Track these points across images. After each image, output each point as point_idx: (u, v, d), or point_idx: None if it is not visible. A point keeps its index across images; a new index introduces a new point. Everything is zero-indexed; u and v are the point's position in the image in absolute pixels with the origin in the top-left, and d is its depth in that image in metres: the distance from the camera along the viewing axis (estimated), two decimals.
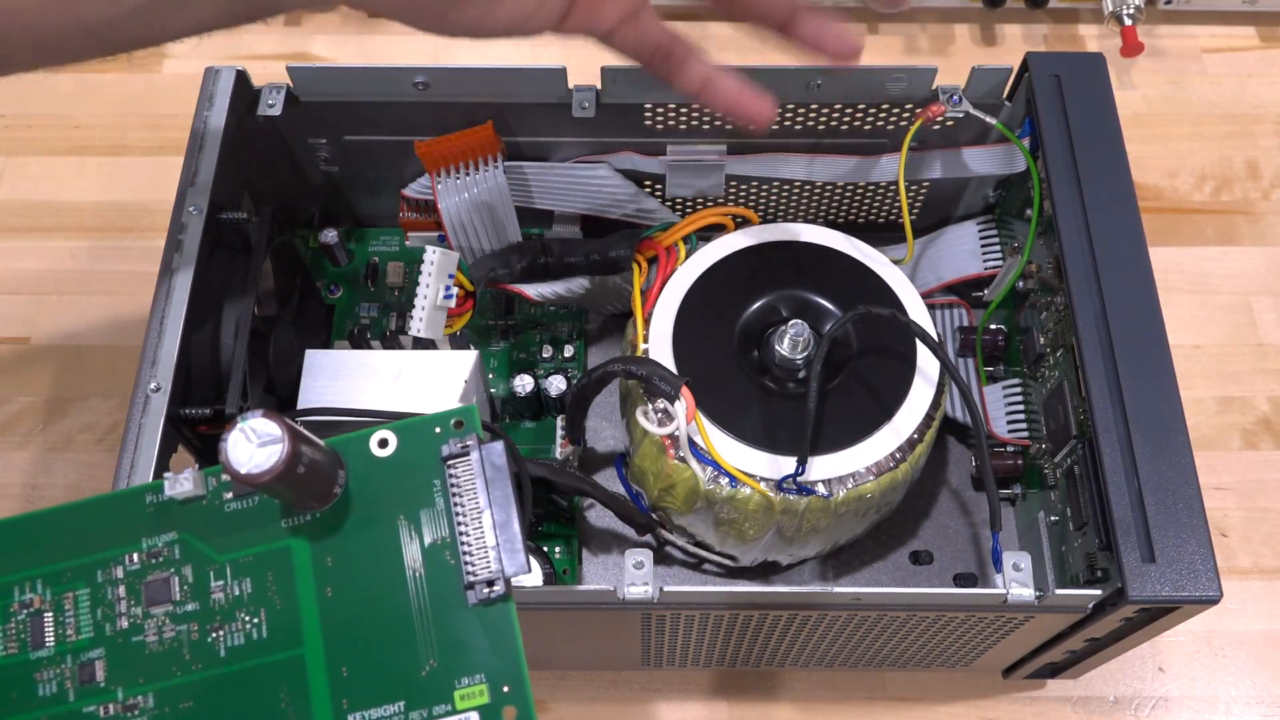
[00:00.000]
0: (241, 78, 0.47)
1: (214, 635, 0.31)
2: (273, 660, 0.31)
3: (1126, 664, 0.52)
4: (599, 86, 0.48)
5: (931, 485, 0.53)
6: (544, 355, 0.54)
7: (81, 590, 0.31)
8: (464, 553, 0.30)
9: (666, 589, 0.40)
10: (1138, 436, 0.41)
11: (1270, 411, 0.58)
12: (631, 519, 0.48)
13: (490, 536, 0.30)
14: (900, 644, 0.46)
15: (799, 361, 0.45)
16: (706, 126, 0.50)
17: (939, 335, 0.47)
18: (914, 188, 0.54)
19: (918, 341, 0.45)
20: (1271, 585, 0.54)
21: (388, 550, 0.31)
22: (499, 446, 0.30)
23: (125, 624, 0.31)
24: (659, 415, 0.43)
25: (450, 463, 0.31)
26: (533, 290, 0.51)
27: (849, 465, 0.43)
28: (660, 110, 0.49)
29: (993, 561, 0.45)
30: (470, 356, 0.46)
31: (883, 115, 0.50)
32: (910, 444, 0.44)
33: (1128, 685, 0.52)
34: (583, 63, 0.47)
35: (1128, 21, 0.63)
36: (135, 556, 0.32)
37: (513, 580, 0.30)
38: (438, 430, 0.31)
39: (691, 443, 0.43)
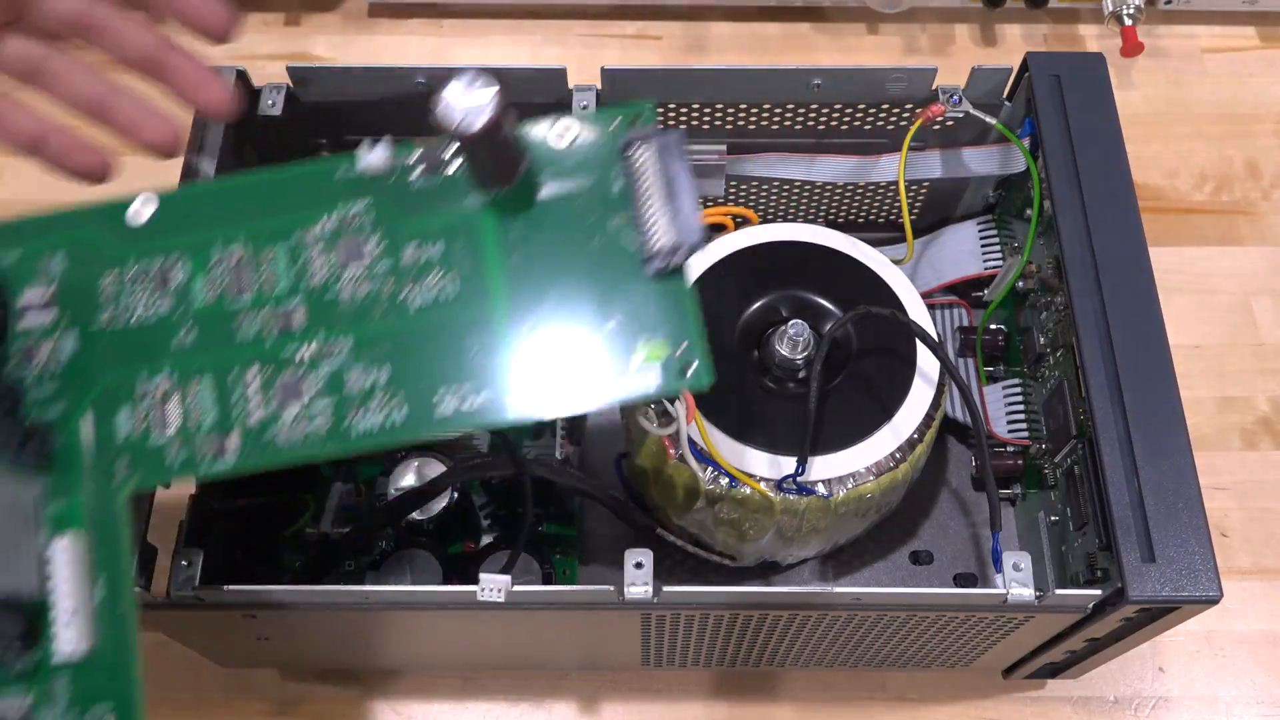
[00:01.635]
0: (241, 77, 0.47)
1: (405, 294, 0.33)
2: (463, 315, 0.33)
3: (1126, 664, 0.52)
4: (599, 86, 0.48)
5: (931, 485, 0.53)
6: None
7: (279, 247, 0.34)
8: (642, 229, 0.33)
9: (666, 589, 0.40)
10: (1138, 436, 0.41)
11: (1270, 411, 0.58)
12: (631, 519, 0.48)
13: (666, 213, 0.33)
14: (900, 644, 0.46)
15: (799, 361, 0.45)
16: (706, 127, 0.50)
17: (939, 335, 0.47)
18: (914, 188, 0.54)
19: (918, 341, 0.45)
20: (1271, 585, 0.54)
21: (573, 225, 0.33)
22: (675, 135, 0.33)
23: (320, 280, 0.34)
24: (659, 415, 0.43)
25: (628, 149, 0.33)
26: None
27: (849, 465, 0.43)
28: (660, 110, 0.49)
29: (993, 561, 0.45)
30: None
31: (883, 115, 0.50)
32: (910, 444, 0.44)
33: (1128, 685, 0.52)
34: (583, 63, 0.47)
35: (1128, 21, 0.63)
36: (329, 222, 0.34)
37: (685, 256, 0.32)
38: (614, 125, 0.34)
39: (691, 443, 0.43)
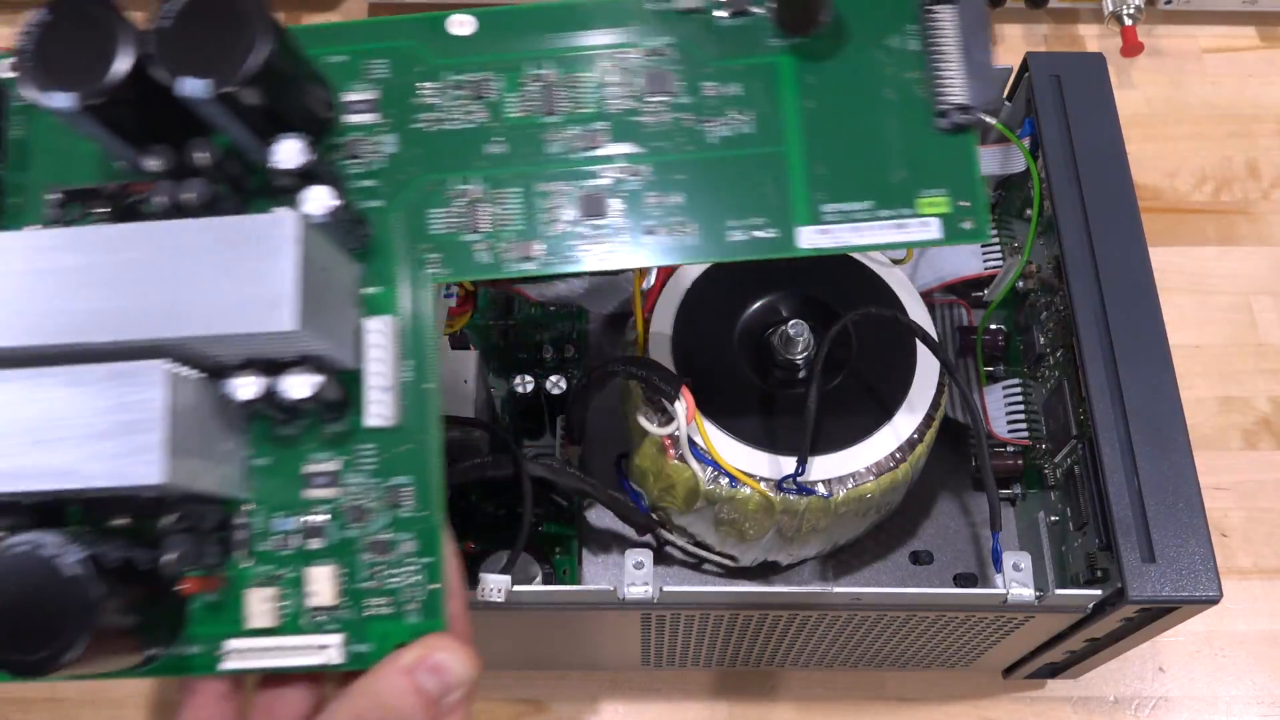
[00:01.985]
0: None
1: (705, 125, 0.35)
2: (757, 152, 0.35)
3: (1126, 664, 0.52)
4: None
5: (931, 485, 0.53)
6: (544, 355, 0.54)
7: (585, 73, 0.36)
8: (936, 83, 0.34)
9: (666, 589, 0.40)
10: (1138, 436, 0.41)
11: (1270, 411, 0.58)
12: (631, 519, 0.48)
13: (963, 71, 0.34)
14: (900, 644, 0.46)
15: (799, 361, 0.45)
16: None
17: (939, 335, 0.47)
18: None
19: (918, 341, 0.45)
20: (1271, 585, 0.54)
21: (865, 76, 0.35)
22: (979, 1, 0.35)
23: (625, 106, 0.36)
24: (659, 415, 0.43)
25: (928, 7, 0.35)
26: (533, 290, 0.51)
27: (849, 465, 0.43)
28: None
29: (993, 561, 0.45)
30: (471, 357, 0.46)
31: None
32: (910, 444, 0.44)
33: (1128, 685, 0.52)
34: None
35: (1128, 21, 0.63)
36: (635, 52, 0.36)
37: (976, 114, 0.34)
38: None
39: (691, 443, 0.43)
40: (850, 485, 0.43)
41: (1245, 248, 0.62)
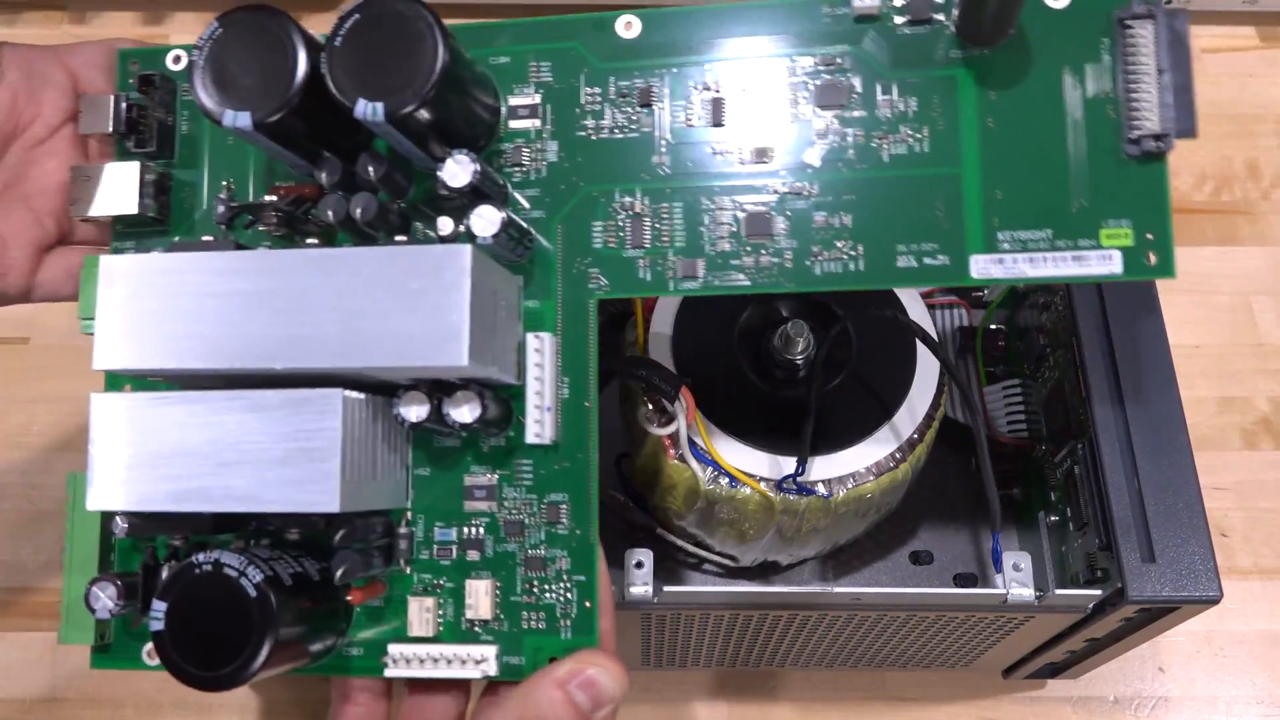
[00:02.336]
0: None
1: (878, 142, 0.34)
2: (932, 173, 0.33)
3: (1126, 664, 0.52)
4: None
5: (931, 485, 0.52)
6: None
7: (757, 83, 0.35)
8: (1130, 109, 0.32)
9: (666, 589, 0.40)
10: (1138, 436, 0.41)
11: (1270, 411, 0.58)
12: (631, 519, 0.48)
13: (1162, 97, 0.32)
14: (900, 644, 0.46)
15: (799, 362, 0.45)
16: None
17: (939, 335, 0.47)
18: None
19: (918, 341, 0.45)
20: (1271, 585, 0.54)
21: (1049, 95, 0.33)
22: (1182, 16, 0.32)
23: (795, 117, 0.34)
24: (659, 415, 0.43)
25: (1127, 22, 0.32)
26: None
27: (849, 465, 0.43)
28: None
29: (993, 561, 0.45)
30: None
31: None
32: (910, 444, 0.44)
33: (1128, 685, 0.52)
34: None
35: None
36: (810, 61, 0.35)
37: (1172, 142, 0.32)
38: None
39: (691, 443, 0.43)
40: (850, 485, 0.43)
41: (1245, 248, 0.62)
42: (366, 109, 0.31)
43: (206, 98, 0.32)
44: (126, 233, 0.37)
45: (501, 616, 0.34)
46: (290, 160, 0.34)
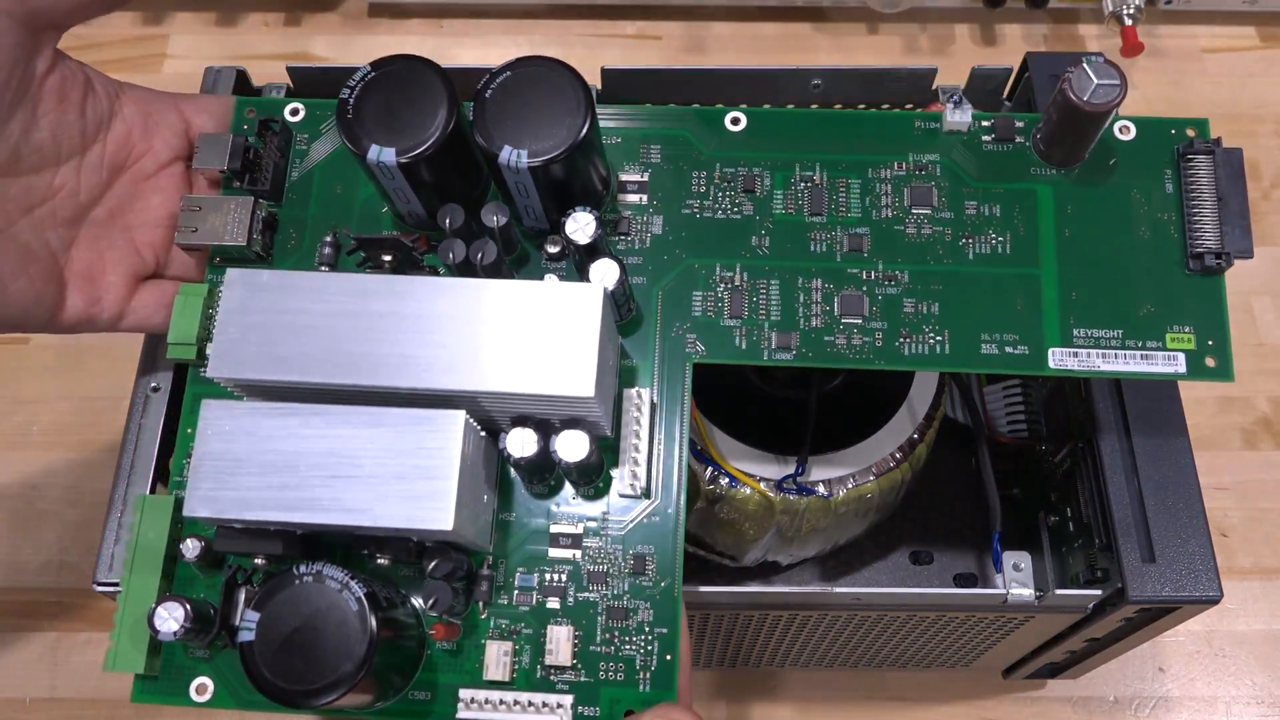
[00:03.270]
0: (242, 77, 0.47)
1: (964, 241, 0.37)
2: (1013, 271, 0.37)
3: (1126, 664, 0.52)
4: (599, 87, 0.48)
5: (931, 485, 0.52)
6: None
7: (854, 180, 0.38)
8: (1191, 228, 0.36)
9: None
10: (1138, 436, 0.41)
11: (1270, 411, 0.58)
12: None
13: (1221, 218, 0.36)
14: (900, 644, 0.46)
15: None
16: None
17: None
18: None
19: None
20: (1271, 585, 0.54)
21: (1120, 212, 0.37)
22: (1237, 153, 0.37)
23: (889, 214, 0.38)
24: None
25: (1188, 157, 0.37)
26: None
27: (849, 465, 0.43)
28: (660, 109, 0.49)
29: (993, 561, 0.45)
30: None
31: None
32: (910, 444, 0.44)
33: (1128, 685, 0.52)
34: (582, 62, 0.47)
35: (1128, 21, 0.63)
36: (902, 165, 0.38)
37: (1228, 262, 0.36)
38: (1172, 131, 0.38)
39: (691, 443, 0.43)
40: (850, 485, 0.43)
41: None
42: (510, 155, 0.33)
43: (354, 132, 0.34)
44: (223, 266, 0.38)
45: (579, 665, 0.34)
46: (410, 206, 0.36)
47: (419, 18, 0.69)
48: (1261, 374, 0.59)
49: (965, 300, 0.36)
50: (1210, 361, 0.36)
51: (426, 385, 0.31)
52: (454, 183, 0.36)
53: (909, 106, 0.49)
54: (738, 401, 0.44)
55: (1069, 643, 0.44)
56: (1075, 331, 0.36)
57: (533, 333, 0.31)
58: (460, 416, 0.31)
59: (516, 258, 0.37)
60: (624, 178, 0.38)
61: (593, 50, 0.69)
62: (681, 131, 0.39)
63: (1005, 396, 0.51)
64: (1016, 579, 0.40)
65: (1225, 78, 0.68)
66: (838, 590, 0.40)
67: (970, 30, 0.69)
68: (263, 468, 0.31)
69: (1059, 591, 0.39)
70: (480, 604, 0.34)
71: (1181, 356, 0.36)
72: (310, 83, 0.48)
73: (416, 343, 0.31)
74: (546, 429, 0.33)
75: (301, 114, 0.40)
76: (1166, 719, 0.51)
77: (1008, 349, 0.36)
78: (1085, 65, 0.35)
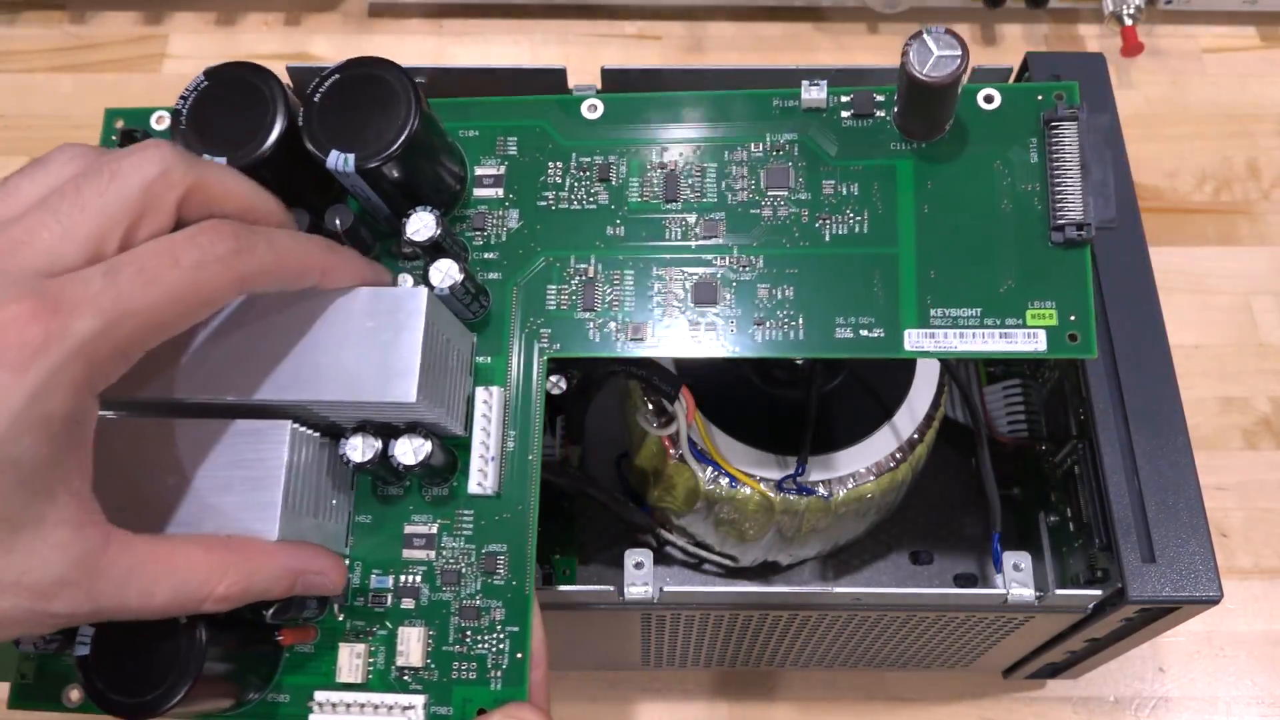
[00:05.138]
0: None
1: (821, 222, 0.36)
2: (870, 252, 0.36)
3: (1126, 664, 0.52)
4: (599, 86, 0.48)
5: (931, 485, 0.52)
6: None
7: (710, 164, 0.37)
8: (1055, 199, 0.35)
9: (666, 589, 0.40)
10: (1138, 436, 0.41)
11: (1271, 411, 0.58)
12: (631, 519, 0.48)
13: (1084, 189, 0.34)
14: (900, 644, 0.46)
15: (799, 361, 0.45)
16: None
17: None
18: None
19: None
20: (1272, 585, 0.54)
21: (981, 186, 0.35)
22: (1107, 118, 0.35)
23: (744, 197, 0.37)
24: (659, 415, 0.43)
25: (1052, 124, 0.35)
26: None
27: (849, 465, 0.43)
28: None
29: (993, 561, 0.45)
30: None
31: None
32: (910, 444, 0.44)
33: (1128, 685, 0.52)
34: (583, 62, 0.47)
35: (1128, 21, 0.63)
36: (759, 146, 0.37)
37: (1091, 233, 0.34)
38: (1040, 98, 0.36)
39: (691, 443, 0.43)
40: (850, 485, 0.43)
41: (1245, 248, 0.62)
42: (338, 160, 0.33)
43: (189, 144, 0.33)
44: None
45: (432, 665, 0.34)
46: None
47: (419, 18, 0.69)
48: (1261, 374, 0.59)
49: (821, 284, 0.35)
50: (1072, 337, 0.34)
51: (253, 398, 0.31)
52: (300, 190, 0.35)
53: None
54: (738, 401, 0.44)
55: (1069, 643, 0.44)
56: (933, 312, 0.35)
57: (358, 339, 0.31)
58: (285, 427, 0.31)
59: (383, 256, 0.37)
60: (480, 171, 0.37)
61: (593, 50, 0.69)
62: (539, 123, 0.38)
63: (1005, 396, 0.51)
64: (1016, 579, 0.40)
65: (1225, 78, 0.68)
66: (838, 590, 0.40)
67: (970, 30, 0.69)
68: (96, 477, 0.30)
69: (1059, 591, 0.39)
70: (335, 606, 0.34)
71: (1042, 334, 0.34)
72: (310, 83, 0.48)
73: (243, 353, 0.31)
74: (390, 433, 0.33)
75: (166, 122, 0.39)
76: (1166, 719, 0.51)
77: (863, 332, 0.35)
78: (925, 36, 0.33)
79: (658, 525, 0.48)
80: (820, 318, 0.35)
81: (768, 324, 0.35)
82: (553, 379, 0.50)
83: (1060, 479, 0.46)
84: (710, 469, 0.43)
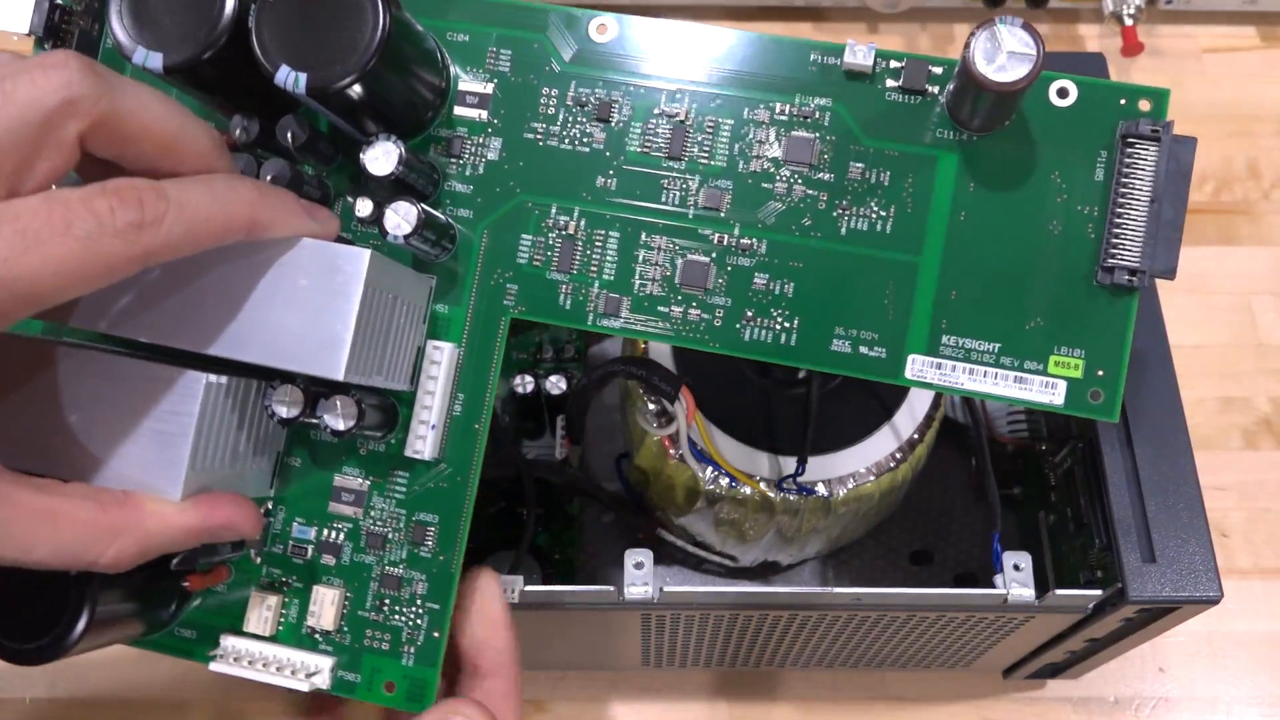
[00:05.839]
0: None
1: (840, 212, 0.31)
2: (888, 256, 0.31)
3: (1127, 664, 0.52)
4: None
5: (931, 485, 0.52)
6: (544, 355, 0.54)
7: (725, 120, 0.32)
8: (1113, 233, 0.29)
9: (666, 589, 0.40)
10: (1138, 436, 0.41)
11: (1271, 411, 0.58)
12: (631, 519, 0.48)
13: (1149, 228, 0.29)
14: (900, 644, 0.46)
15: None
16: None
17: None
18: None
19: None
20: (1272, 585, 0.54)
21: (1032, 199, 0.30)
22: (1190, 144, 0.29)
23: (757, 167, 0.31)
24: (659, 415, 0.43)
25: (1130, 140, 0.29)
26: None
27: (849, 465, 0.43)
28: None
29: (993, 561, 0.45)
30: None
31: None
32: (910, 444, 0.44)
33: (1128, 685, 0.52)
34: None
35: (1128, 21, 0.63)
36: (785, 108, 0.31)
37: (1144, 282, 0.29)
38: (1122, 102, 0.30)
39: (691, 443, 0.43)
40: (850, 485, 0.43)
41: (1245, 248, 0.62)
42: (288, 77, 0.28)
43: (120, 30, 0.28)
44: None
45: (345, 629, 0.32)
46: (211, 108, 0.32)
47: None
48: (1261, 374, 0.59)
49: (827, 284, 0.31)
50: (1095, 396, 0.30)
51: (173, 344, 0.28)
52: (252, 90, 0.30)
53: None
54: (738, 401, 0.44)
55: (1069, 643, 0.44)
56: (945, 339, 0.30)
57: (290, 297, 0.28)
58: (199, 382, 0.28)
59: (351, 169, 0.32)
60: (464, 87, 0.32)
61: None
62: (539, 36, 0.32)
63: None
64: (1016, 579, 0.40)
65: (1225, 78, 0.68)
66: (838, 590, 0.40)
67: (970, 30, 0.69)
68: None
69: (1059, 591, 0.39)
70: (252, 551, 0.32)
71: (1063, 385, 0.30)
72: None
73: (165, 293, 0.28)
74: (321, 386, 0.30)
75: None
76: (1166, 719, 0.51)
77: (862, 349, 0.31)
78: (998, 25, 0.28)
79: (658, 525, 0.48)
80: (818, 324, 0.31)
81: (758, 321, 0.31)
82: (553, 379, 0.50)
83: (1060, 479, 0.46)
84: (710, 469, 0.43)
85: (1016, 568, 0.40)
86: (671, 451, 0.43)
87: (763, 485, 0.43)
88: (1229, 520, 0.55)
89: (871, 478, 0.43)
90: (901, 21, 0.69)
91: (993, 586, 0.40)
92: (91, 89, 0.24)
